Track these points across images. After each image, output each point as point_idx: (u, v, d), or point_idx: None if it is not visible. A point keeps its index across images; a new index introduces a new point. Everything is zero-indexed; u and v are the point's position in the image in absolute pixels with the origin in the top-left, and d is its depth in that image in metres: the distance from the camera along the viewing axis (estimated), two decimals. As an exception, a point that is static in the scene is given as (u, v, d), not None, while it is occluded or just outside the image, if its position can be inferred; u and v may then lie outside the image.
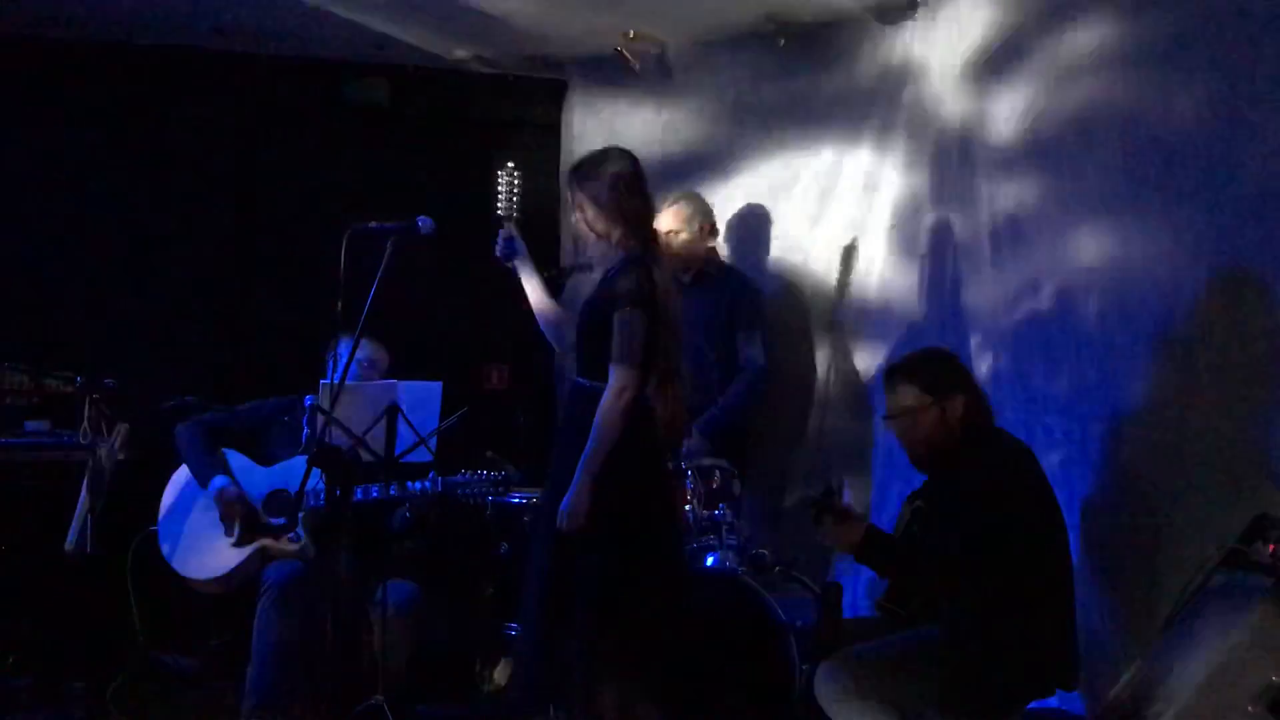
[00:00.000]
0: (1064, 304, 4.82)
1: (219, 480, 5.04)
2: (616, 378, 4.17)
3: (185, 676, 5.46)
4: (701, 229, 5.77)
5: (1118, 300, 4.57)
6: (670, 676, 4.26)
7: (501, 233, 4.63)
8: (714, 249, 5.93)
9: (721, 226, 6.17)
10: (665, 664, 4.23)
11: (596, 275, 4.43)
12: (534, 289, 4.58)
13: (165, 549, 5.04)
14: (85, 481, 4.99)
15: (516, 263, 4.60)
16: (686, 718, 4.45)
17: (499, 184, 4.66)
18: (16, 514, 5.34)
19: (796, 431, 6.09)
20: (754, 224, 6.30)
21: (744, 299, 5.76)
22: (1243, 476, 4.07)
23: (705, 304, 5.65)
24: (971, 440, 4.07)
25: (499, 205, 4.65)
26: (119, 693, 5.02)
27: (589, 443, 4.15)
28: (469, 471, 4.86)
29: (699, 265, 5.79)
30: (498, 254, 4.63)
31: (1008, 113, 5.10)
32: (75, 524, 5.01)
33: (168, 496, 5.16)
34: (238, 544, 5.01)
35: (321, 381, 4.64)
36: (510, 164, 4.67)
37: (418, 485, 4.90)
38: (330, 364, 5.02)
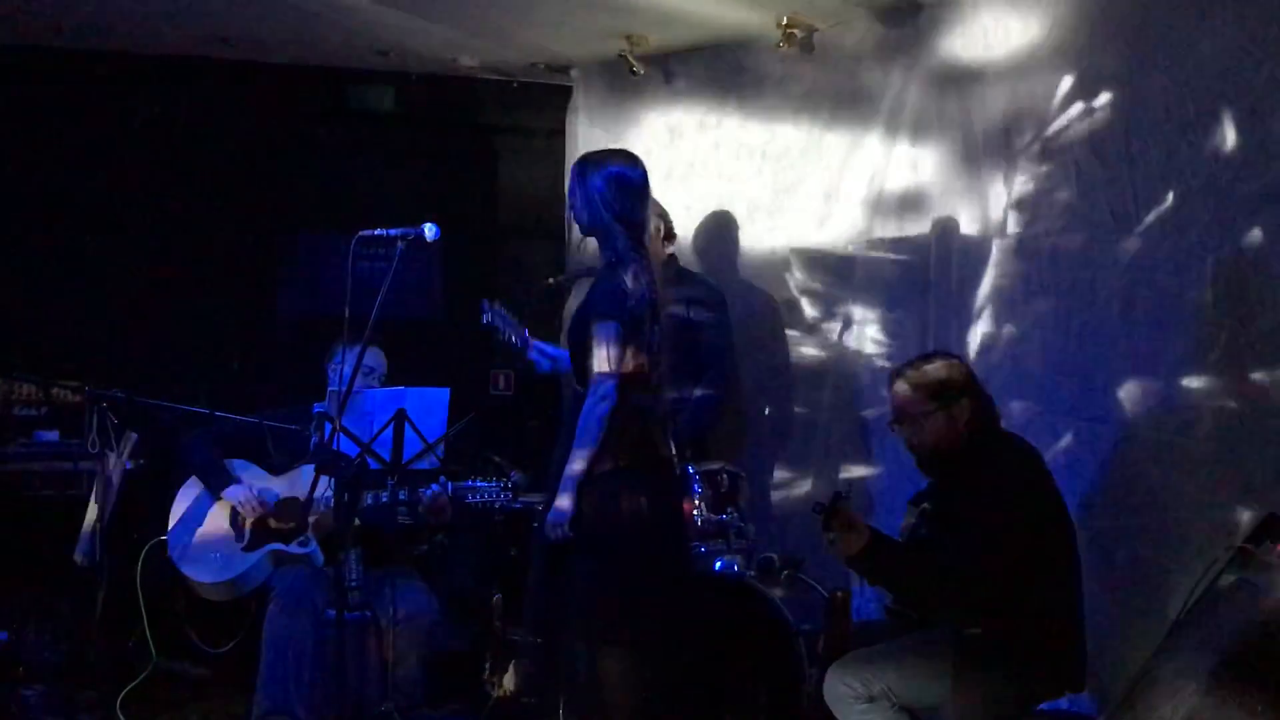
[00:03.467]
0: (1070, 303, 4.82)
1: (232, 488, 5.05)
2: (593, 388, 4.19)
3: (195, 684, 5.46)
4: (657, 231, 5.72)
5: (1125, 299, 4.57)
6: (677, 680, 4.26)
7: (533, 356, 4.81)
8: (673, 254, 5.91)
9: (727, 229, 6.15)
10: (670, 668, 4.23)
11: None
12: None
13: (175, 556, 5.05)
14: (94, 491, 5.00)
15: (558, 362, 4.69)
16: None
17: (495, 326, 4.72)
18: (26, 523, 5.36)
19: (805, 433, 6.09)
20: (760, 226, 6.30)
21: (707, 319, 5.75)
22: (1252, 476, 4.07)
23: None
24: (978, 443, 4.07)
25: (511, 340, 4.77)
26: (130, 701, 5.02)
27: (571, 452, 4.17)
28: (478, 478, 4.87)
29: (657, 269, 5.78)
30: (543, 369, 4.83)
31: (1015, 112, 5.09)
32: (84, 534, 5.02)
33: (178, 506, 5.17)
34: (248, 548, 5.02)
35: (329, 389, 4.65)
36: (485, 301, 4.72)
37: (427, 491, 4.90)
38: (331, 374, 5.04)
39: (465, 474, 4.97)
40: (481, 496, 4.82)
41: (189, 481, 5.21)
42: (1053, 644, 3.92)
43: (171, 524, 5.13)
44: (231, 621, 5.11)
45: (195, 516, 5.12)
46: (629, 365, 4.21)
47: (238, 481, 5.11)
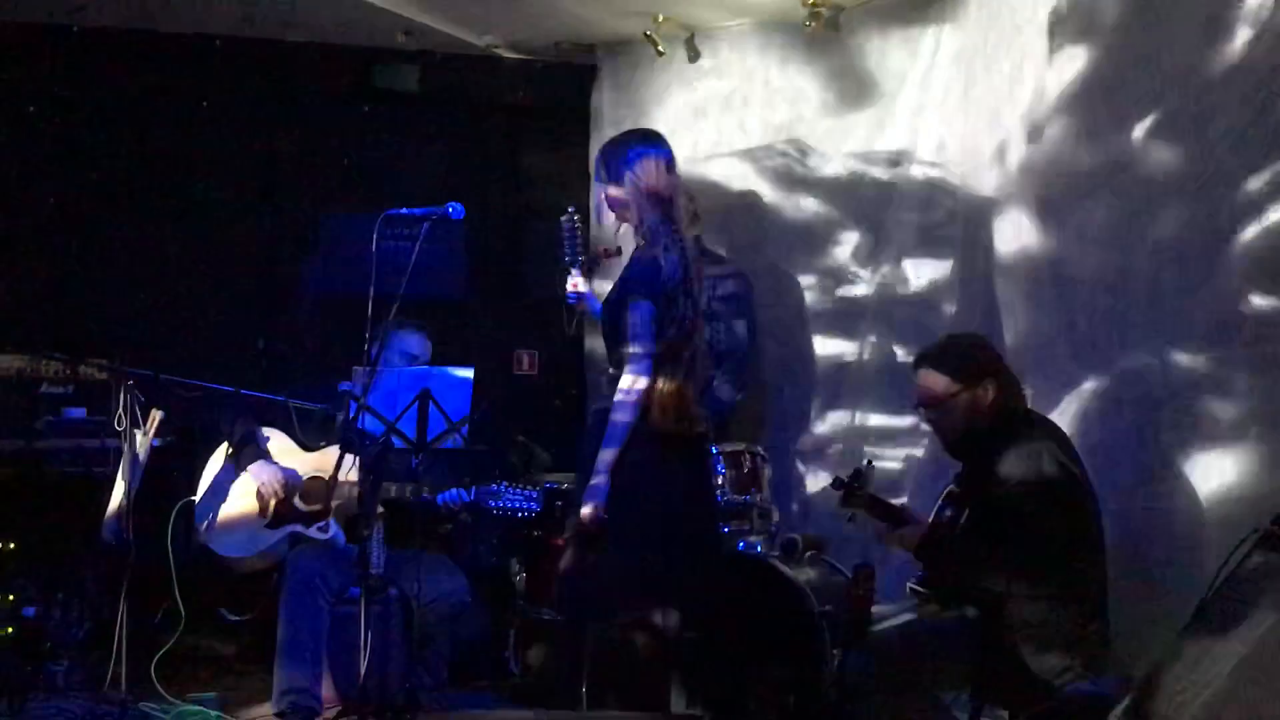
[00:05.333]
0: (1098, 281, 4.78)
1: (258, 465, 5.08)
2: (627, 369, 4.19)
3: (220, 661, 5.49)
4: (685, 210, 5.68)
5: (1152, 282, 4.54)
6: (702, 662, 4.26)
7: (570, 280, 4.58)
8: (698, 236, 5.88)
9: (752, 210, 6.14)
10: (697, 650, 4.23)
11: (625, 262, 4.44)
12: None
13: (201, 527, 5.07)
14: (120, 469, 5.03)
15: (586, 308, 4.58)
16: (719, 704, 4.46)
17: (562, 229, 4.57)
18: (53, 499, 5.40)
19: (831, 417, 6.08)
20: (783, 209, 6.29)
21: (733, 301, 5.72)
22: (1280, 456, 4.04)
23: None
24: (1004, 425, 4.05)
25: (564, 253, 4.57)
26: (155, 676, 5.06)
27: (605, 431, 4.18)
28: (505, 482, 4.86)
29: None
30: (569, 302, 4.61)
31: (1042, 89, 5.06)
32: (111, 513, 5.05)
33: (208, 473, 5.19)
34: (271, 525, 5.04)
35: (355, 368, 4.66)
36: (571, 209, 4.60)
37: (451, 495, 4.91)
38: (375, 354, 5.06)
39: (490, 463, 4.96)
40: (504, 503, 4.80)
41: (219, 450, 5.22)
42: (1076, 625, 3.91)
43: (201, 492, 5.14)
44: (255, 588, 5.12)
45: (223, 487, 5.13)
46: (662, 344, 4.21)
47: (267, 456, 5.13)
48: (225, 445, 5.20)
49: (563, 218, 4.60)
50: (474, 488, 4.83)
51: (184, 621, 5.09)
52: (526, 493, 4.73)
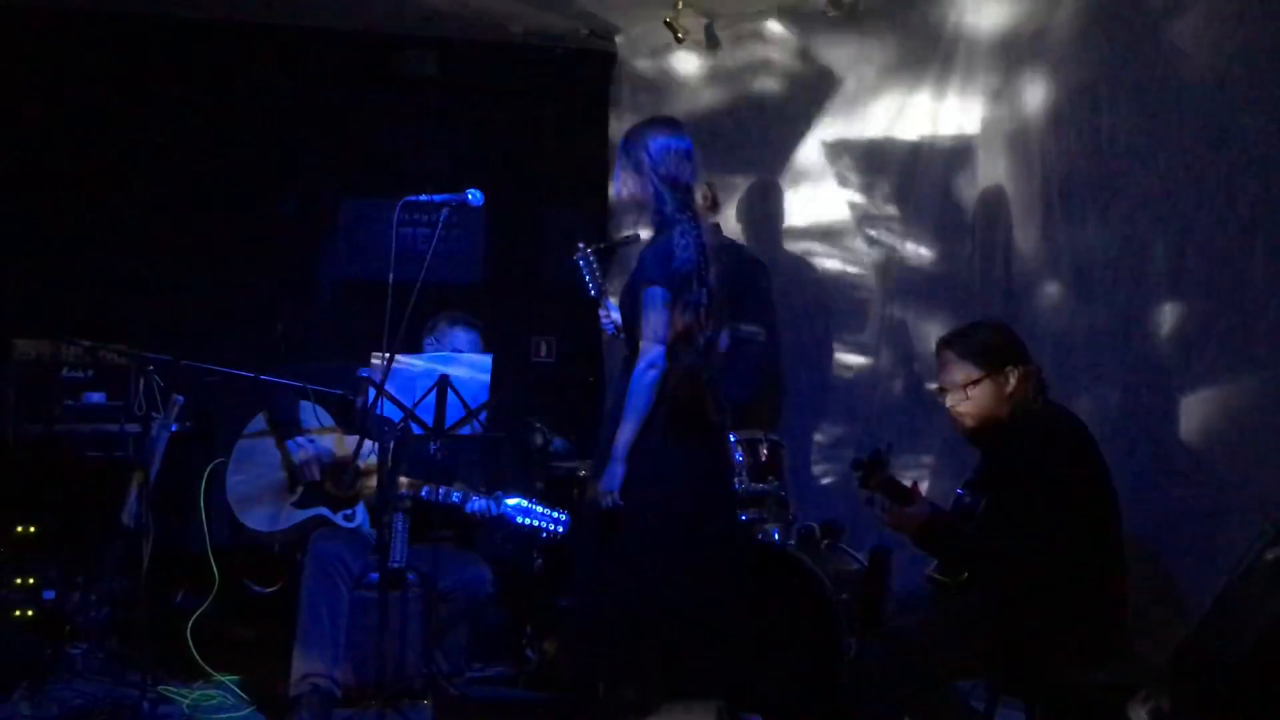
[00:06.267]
0: (1118, 274, 4.77)
1: (296, 441, 5.08)
2: (642, 355, 4.20)
3: (240, 644, 5.51)
4: (703, 199, 5.67)
5: (1175, 267, 4.52)
6: (718, 650, 4.26)
7: (602, 314, 4.77)
8: (717, 224, 5.88)
9: (770, 197, 6.12)
10: (713, 638, 4.23)
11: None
12: None
13: (231, 498, 5.07)
14: (140, 453, 5.05)
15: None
16: (736, 692, 4.46)
17: (579, 268, 4.77)
18: (72, 484, 5.42)
19: (845, 402, 6.08)
20: (803, 194, 6.28)
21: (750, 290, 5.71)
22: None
23: None
24: (1024, 414, 4.04)
25: (589, 289, 4.78)
26: (177, 661, 5.08)
27: (621, 419, 4.19)
28: (534, 500, 4.88)
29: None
30: (608, 333, 4.82)
31: (1064, 76, 5.04)
32: (132, 497, 5.07)
33: (243, 444, 5.18)
34: (298, 505, 5.05)
35: (374, 354, 4.67)
36: (581, 245, 4.79)
37: (480, 505, 4.92)
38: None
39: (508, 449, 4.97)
40: (531, 521, 4.82)
41: (257, 420, 5.22)
42: (1095, 616, 3.89)
43: (234, 461, 5.14)
44: (281, 562, 5.15)
45: (257, 459, 5.13)
46: (677, 328, 4.22)
47: (303, 433, 5.13)
48: (265, 413, 5.21)
49: (575, 256, 4.77)
50: (503, 500, 4.85)
51: (217, 586, 5.13)
52: (556, 514, 4.78)
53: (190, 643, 5.07)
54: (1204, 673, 3.46)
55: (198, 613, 5.13)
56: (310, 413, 5.18)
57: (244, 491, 5.08)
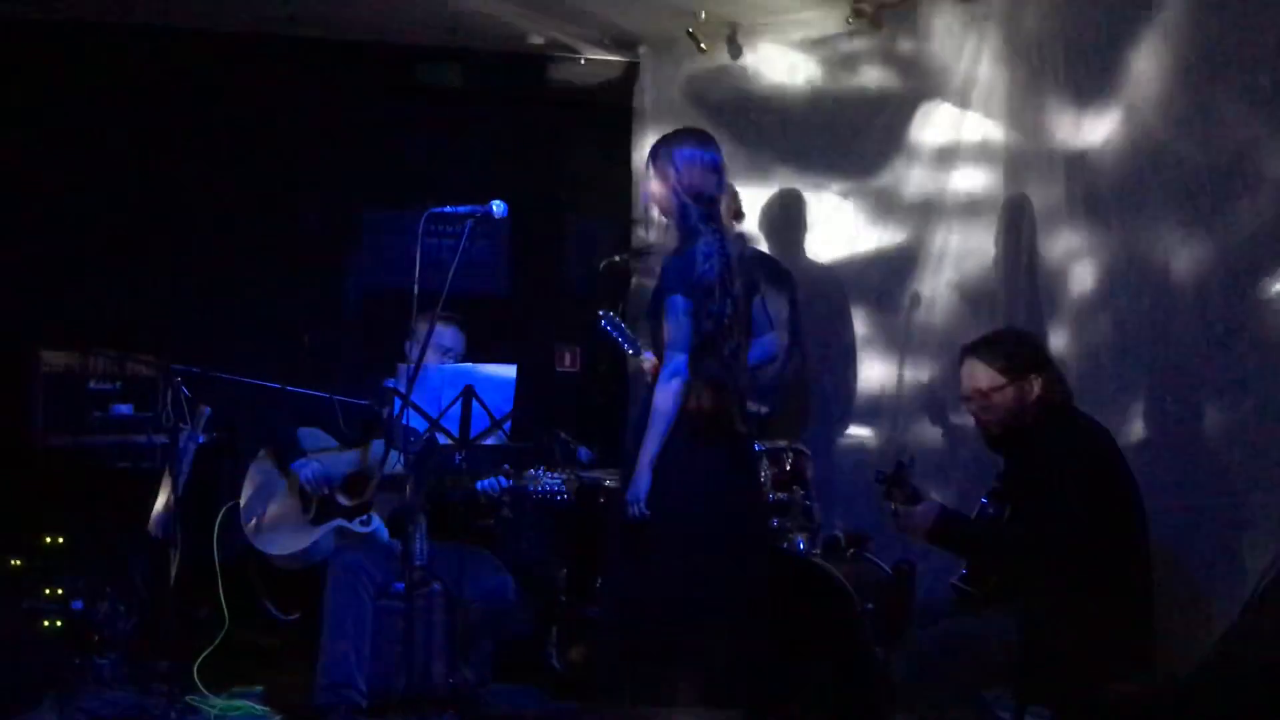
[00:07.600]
0: (1142, 284, 4.75)
1: (300, 463, 5.11)
2: (665, 364, 4.20)
3: (265, 655, 5.53)
4: (727, 209, 5.67)
5: (1198, 279, 4.50)
6: (744, 659, 4.26)
7: (644, 365, 4.85)
8: (741, 233, 5.87)
9: (794, 207, 6.12)
10: (738, 647, 4.23)
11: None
12: None
13: (248, 530, 5.11)
14: (167, 464, 5.07)
15: None
16: (762, 701, 4.46)
17: (607, 332, 5.05)
18: (100, 495, 5.45)
19: (870, 411, 6.07)
20: (827, 204, 6.28)
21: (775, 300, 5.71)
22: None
23: None
24: (1048, 421, 4.03)
25: (624, 346, 5.03)
26: (200, 671, 5.10)
27: (646, 429, 4.19)
28: (543, 468, 4.88)
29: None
30: None
31: (1089, 86, 5.03)
32: (159, 507, 5.10)
33: (250, 479, 5.23)
34: (314, 521, 5.08)
35: (399, 365, 4.68)
36: (600, 311, 5.03)
37: (489, 482, 4.93)
38: (410, 351, 5.08)
39: (531, 455, 4.99)
40: (543, 488, 4.83)
41: (260, 454, 5.26)
42: (1120, 625, 3.88)
43: (245, 495, 5.19)
44: (302, 587, 5.17)
45: (267, 489, 5.18)
46: (699, 339, 4.21)
47: (305, 455, 5.16)
48: (264, 449, 5.25)
49: (602, 322, 4.99)
50: (508, 478, 4.88)
51: (227, 625, 5.14)
52: (564, 477, 4.79)
53: (195, 679, 5.07)
54: (1229, 684, 3.45)
55: (204, 654, 5.13)
56: (308, 435, 5.23)
57: (260, 523, 5.12)
